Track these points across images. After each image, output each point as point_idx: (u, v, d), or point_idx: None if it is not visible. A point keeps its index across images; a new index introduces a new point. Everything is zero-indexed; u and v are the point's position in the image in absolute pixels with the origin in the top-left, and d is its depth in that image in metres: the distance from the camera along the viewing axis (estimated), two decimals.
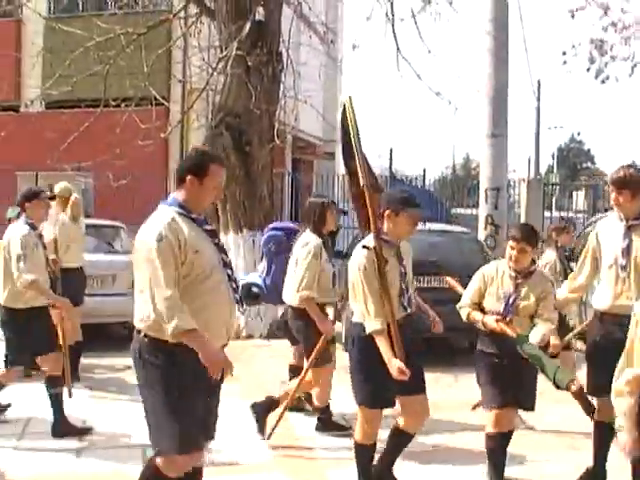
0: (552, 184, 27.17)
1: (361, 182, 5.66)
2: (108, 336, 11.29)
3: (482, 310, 5.91)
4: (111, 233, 12.44)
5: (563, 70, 23.77)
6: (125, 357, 10.17)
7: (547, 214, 18.75)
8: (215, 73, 13.14)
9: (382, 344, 5.40)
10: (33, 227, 7.29)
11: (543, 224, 17.12)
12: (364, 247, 5.57)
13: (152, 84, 14.05)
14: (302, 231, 7.44)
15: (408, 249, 5.89)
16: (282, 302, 7.59)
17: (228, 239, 12.46)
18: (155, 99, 14.20)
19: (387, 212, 5.60)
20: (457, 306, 6.08)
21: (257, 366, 10.58)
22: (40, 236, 7.43)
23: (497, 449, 5.87)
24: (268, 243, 8.38)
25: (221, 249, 4.68)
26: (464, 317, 6.00)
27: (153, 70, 14.26)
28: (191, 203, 4.55)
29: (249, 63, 12.16)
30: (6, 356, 7.30)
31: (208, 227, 4.67)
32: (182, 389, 4.42)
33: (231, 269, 4.66)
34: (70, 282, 8.75)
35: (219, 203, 12.44)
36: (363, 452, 5.84)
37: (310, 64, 15.71)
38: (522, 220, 17.47)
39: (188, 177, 4.54)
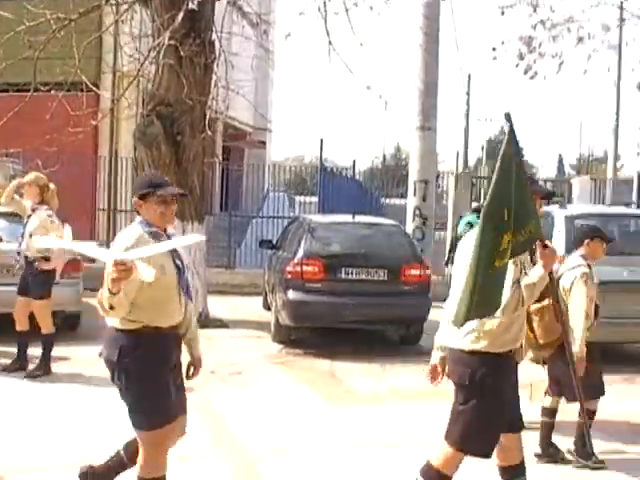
0: (480, 177, 27.53)
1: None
2: None
3: None
4: None
5: (493, 65, 24.22)
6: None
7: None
8: (147, 62, 13.06)
9: None
10: None
11: None
12: None
13: (83, 71, 13.88)
14: None
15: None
16: None
17: None
18: (85, 86, 14.06)
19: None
20: None
21: None
22: None
23: None
24: None
25: None
26: None
27: (84, 56, 14.09)
28: None
29: (181, 53, 12.11)
30: None
31: None
32: None
33: None
34: None
35: None
36: None
37: (243, 54, 15.71)
38: (450, 213, 17.71)
39: None
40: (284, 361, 10.70)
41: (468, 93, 32.95)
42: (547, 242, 4.86)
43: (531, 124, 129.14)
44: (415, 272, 11.41)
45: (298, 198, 27.38)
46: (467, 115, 33.76)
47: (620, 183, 22.13)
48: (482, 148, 61.66)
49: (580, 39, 24.60)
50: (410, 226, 16.51)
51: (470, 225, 8.10)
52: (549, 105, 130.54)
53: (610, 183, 20.61)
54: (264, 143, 29.45)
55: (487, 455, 4.95)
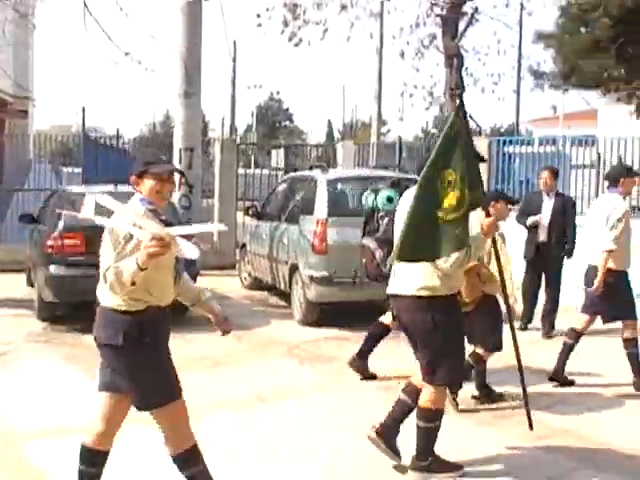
0: (248, 143, 27.73)
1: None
2: None
3: None
4: None
5: (259, 31, 24.31)
6: None
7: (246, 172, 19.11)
8: None
9: None
10: None
11: (237, 183, 17.43)
12: None
13: None
14: None
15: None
16: None
17: None
18: None
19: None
20: None
21: None
22: None
23: None
24: None
25: None
26: None
27: None
28: None
29: None
30: None
31: None
32: None
33: None
34: None
35: None
36: None
37: None
38: (217, 179, 17.68)
39: None
40: (49, 339, 10.39)
41: (234, 60, 32.95)
42: (490, 210, 5.71)
43: (299, 90, 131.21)
44: None
45: (65, 169, 26.51)
46: (233, 82, 33.76)
47: (383, 147, 22.83)
48: (252, 114, 62.11)
49: (343, 7, 25.09)
50: (176, 194, 16.37)
51: (390, 199, 8.36)
52: (316, 71, 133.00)
53: (374, 147, 21.23)
54: (26, 112, 28.28)
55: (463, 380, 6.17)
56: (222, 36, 24.20)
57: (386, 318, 8.50)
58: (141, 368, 4.67)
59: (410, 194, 5.75)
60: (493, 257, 7.07)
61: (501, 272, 6.47)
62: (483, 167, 16.84)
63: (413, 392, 5.98)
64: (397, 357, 9.59)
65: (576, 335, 8.36)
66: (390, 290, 5.91)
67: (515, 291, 7.48)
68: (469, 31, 24.74)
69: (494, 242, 6.28)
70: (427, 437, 5.80)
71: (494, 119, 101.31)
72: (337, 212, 11.28)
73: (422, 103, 26.36)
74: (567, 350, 8.33)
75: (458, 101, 5.68)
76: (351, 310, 11.53)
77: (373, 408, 7.33)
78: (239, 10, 45.91)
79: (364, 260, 8.54)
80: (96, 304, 4.85)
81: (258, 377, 8.61)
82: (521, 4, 28.62)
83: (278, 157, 25.05)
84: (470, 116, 22.96)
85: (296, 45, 25.37)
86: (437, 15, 24.23)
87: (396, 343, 10.22)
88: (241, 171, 18.34)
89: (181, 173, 5.07)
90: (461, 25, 23.88)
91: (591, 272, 8.21)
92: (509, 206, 7.74)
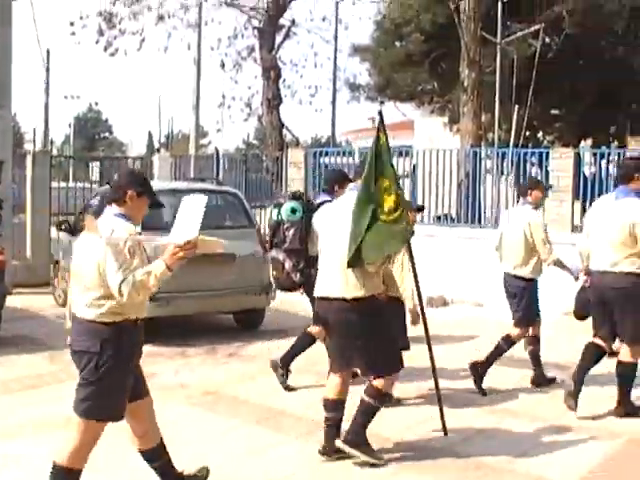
0: (64, 156, 26.97)
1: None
2: None
3: None
4: None
5: (74, 40, 23.85)
6: None
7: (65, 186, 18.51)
8: None
9: None
10: None
11: (50, 197, 16.81)
12: None
13: None
14: None
15: None
16: None
17: None
18: None
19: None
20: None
21: None
22: None
23: None
24: None
25: None
26: None
27: None
28: None
29: None
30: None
31: None
32: None
33: None
34: None
35: None
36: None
37: None
38: (29, 194, 16.96)
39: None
40: None
41: (47, 69, 31.99)
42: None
43: (118, 101, 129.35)
44: None
45: None
46: (47, 91, 32.71)
47: (202, 159, 22.68)
48: (70, 126, 60.58)
49: (161, 17, 24.89)
50: None
51: (294, 211, 8.28)
52: (134, 82, 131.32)
53: (192, 159, 21.05)
54: None
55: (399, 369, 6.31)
56: (35, 44, 23.59)
57: (314, 328, 8.28)
58: (107, 378, 4.77)
59: (328, 209, 6.57)
60: (398, 261, 7.47)
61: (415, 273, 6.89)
62: (299, 177, 17.01)
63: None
64: (209, 370, 9.54)
65: (533, 341, 8.83)
66: (317, 293, 6.26)
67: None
68: (286, 44, 25.15)
69: (409, 245, 6.70)
70: (364, 415, 6.19)
71: (314, 130, 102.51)
72: (151, 226, 11.01)
73: (240, 114, 26.58)
74: (497, 354, 8.60)
75: (379, 120, 6.32)
76: (166, 326, 11.33)
77: (200, 423, 7.31)
78: (53, 18, 44.81)
79: (274, 272, 8.48)
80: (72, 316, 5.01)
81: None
82: (337, 18, 29.31)
83: (96, 170, 24.49)
84: (287, 128, 23.35)
85: (112, 55, 24.99)
86: (254, 27, 24.39)
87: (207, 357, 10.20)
88: (58, 185, 17.68)
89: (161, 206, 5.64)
90: (278, 38, 24.16)
91: (507, 279, 8.68)
92: (418, 214, 8.22)
